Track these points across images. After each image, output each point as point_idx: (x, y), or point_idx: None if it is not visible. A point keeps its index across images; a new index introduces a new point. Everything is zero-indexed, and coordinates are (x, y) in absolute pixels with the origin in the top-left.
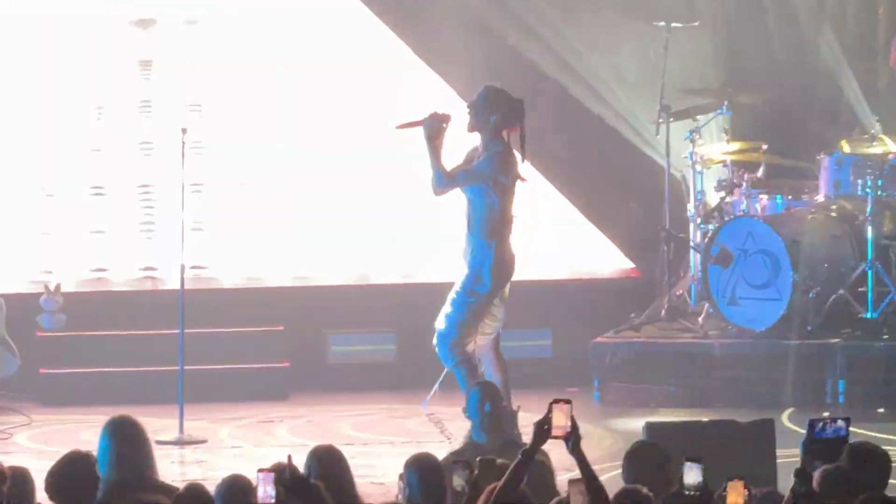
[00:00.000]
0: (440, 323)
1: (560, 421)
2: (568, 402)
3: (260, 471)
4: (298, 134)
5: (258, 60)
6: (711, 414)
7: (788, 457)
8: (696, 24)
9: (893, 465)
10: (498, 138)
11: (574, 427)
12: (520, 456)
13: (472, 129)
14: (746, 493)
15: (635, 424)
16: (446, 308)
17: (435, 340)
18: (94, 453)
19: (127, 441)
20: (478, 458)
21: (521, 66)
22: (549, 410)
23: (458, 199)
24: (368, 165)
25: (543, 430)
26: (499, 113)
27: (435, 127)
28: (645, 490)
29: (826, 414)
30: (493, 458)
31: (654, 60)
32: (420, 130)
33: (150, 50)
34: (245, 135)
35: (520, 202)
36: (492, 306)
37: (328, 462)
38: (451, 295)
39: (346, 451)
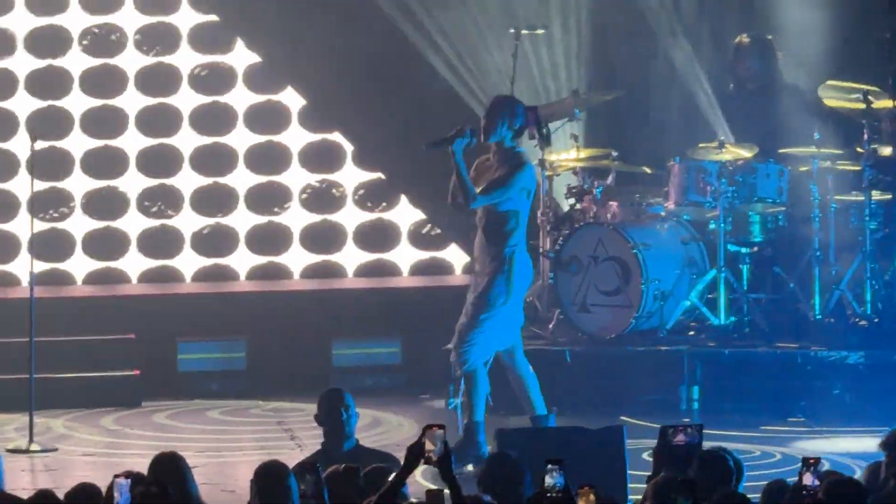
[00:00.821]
0: (460, 334)
1: (432, 446)
2: (441, 426)
3: (116, 476)
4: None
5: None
6: (562, 421)
7: (639, 463)
8: (543, 31)
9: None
10: (518, 145)
11: (447, 452)
12: (391, 481)
13: (486, 138)
14: (595, 499)
15: (488, 431)
16: (467, 319)
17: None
18: None
19: None
20: (342, 465)
21: (382, 58)
22: (422, 435)
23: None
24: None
25: (416, 454)
26: (510, 120)
27: (463, 144)
28: (488, 498)
29: (682, 421)
30: (357, 466)
31: (504, 67)
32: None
33: None
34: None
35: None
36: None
37: (170, 469)
38: (474, 304)
39: (197, 459)
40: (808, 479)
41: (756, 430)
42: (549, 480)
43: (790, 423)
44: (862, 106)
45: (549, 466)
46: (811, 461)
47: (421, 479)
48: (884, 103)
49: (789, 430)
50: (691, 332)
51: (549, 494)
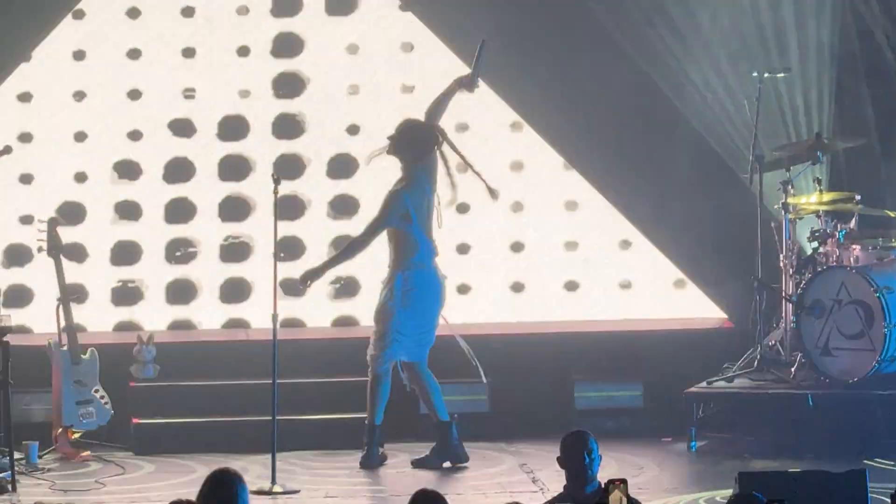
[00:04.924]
0: None
1: (616, 500)
2: (622, 481)
3: None
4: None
5: None
6: (804, 464)
7: None
8: (787, 74)
9: None
10: (404, 172)
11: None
12: None
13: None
14: None
15: (728, 475)
16: None
17: None
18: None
19: (229, 492)
20: None
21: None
22: (606, 490)
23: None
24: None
25: None
26: (412, 146)
27: None
28: None
29: None
30: None
31: (747, 110)
32: None
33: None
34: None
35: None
36: None
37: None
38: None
39: None
40: None
41: None
42: None
43: None
44: None
45: None
46: None
47: None
48: None
49: None
50: None
51: None
